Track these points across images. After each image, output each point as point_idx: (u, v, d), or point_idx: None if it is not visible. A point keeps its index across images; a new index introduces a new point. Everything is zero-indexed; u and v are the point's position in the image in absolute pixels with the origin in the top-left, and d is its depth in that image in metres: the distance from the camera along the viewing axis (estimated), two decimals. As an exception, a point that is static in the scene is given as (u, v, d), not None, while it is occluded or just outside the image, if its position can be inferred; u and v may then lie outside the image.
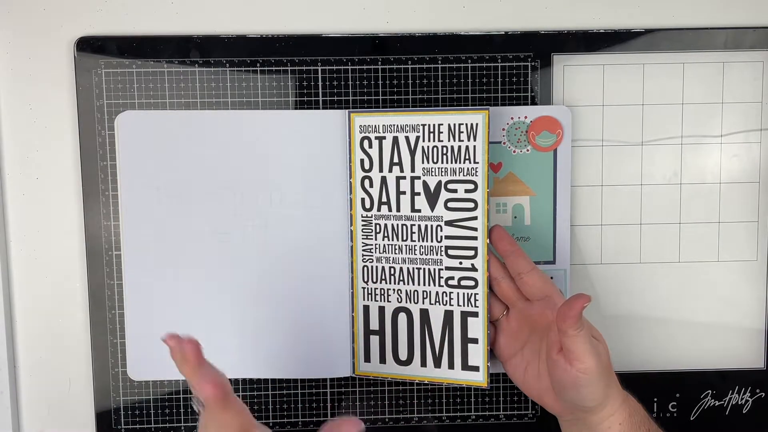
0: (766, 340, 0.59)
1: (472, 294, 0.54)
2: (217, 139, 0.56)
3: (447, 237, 0.54)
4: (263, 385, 0.58)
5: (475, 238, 0.53)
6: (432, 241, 0.54)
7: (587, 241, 0.58)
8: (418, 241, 0.54)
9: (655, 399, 0.59)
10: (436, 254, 0.54)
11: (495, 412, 0.59)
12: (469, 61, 0.56)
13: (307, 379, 0.58)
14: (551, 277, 0.57)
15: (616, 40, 0.56)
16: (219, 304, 0.57)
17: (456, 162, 0.53)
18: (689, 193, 0.58)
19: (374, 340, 0.56)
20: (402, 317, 0.55)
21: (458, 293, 0.54)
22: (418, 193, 0.54)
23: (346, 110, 0.55)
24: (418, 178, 0.54)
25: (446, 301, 0.54)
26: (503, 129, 0.56)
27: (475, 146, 0.52)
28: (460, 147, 0.53)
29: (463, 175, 0.53)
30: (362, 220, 0.55)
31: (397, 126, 0.54)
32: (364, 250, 0.55)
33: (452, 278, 0.54)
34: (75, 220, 0.57)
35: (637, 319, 0.59)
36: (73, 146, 0.57)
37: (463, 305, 0.54)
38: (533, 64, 0.56)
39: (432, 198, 0.54)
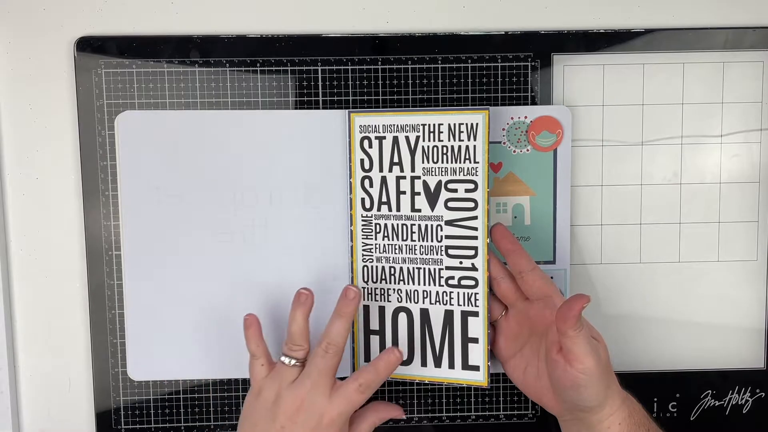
0: (766, 340, 0.59)
1: (472, 294, 0.54)
2: (217, 139, 0.56)
3: (447, 237, 0.54)
4: (263, 385, 0.58)
5: (475, 238, 0.53)
6: (432, 240, 0.54)
7: (587, 241, 0.58)
8: (419, 240, 0.54)
9: (655, 399, 0.59)
10: (437, 254, 0.54)
11: (495, 412, 0.59)
12: (469, 61, 0.56)
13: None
14: (551, 277, 0.57)
15: (616, 40, 0.56)
16: (219, 302, 0.57)
17: (456, 162, 0.53)
18: (689, 193, 0.58)
19: (374, 339, 0.56)
20: (402, 317, 0.55)
21: (458, 293, 0.54)
22: (418, 193, 0.54)
23: (346, 110, 0.55)
24: (418, 177, 0.54)
25: (446, 300, 0.54)
26: (503, 129, 0.56)
27: (475, 146, 0.52)
28: (460, 147, 0.53)
29: (464, 175, 0.53)
30: (362, 220, 0.55)
31: (397, 126, 0.54)
32: (364, 250, 0.55)
33: (452, 278, 0.54)
34: (75, 220, 0.57)
35: (637, 319, 0.59)
36: (73, 146, 0.57)
37: (464, 305, 0.54)
38: (533, 64, 0.56)
39: (432, 198, 0.54)
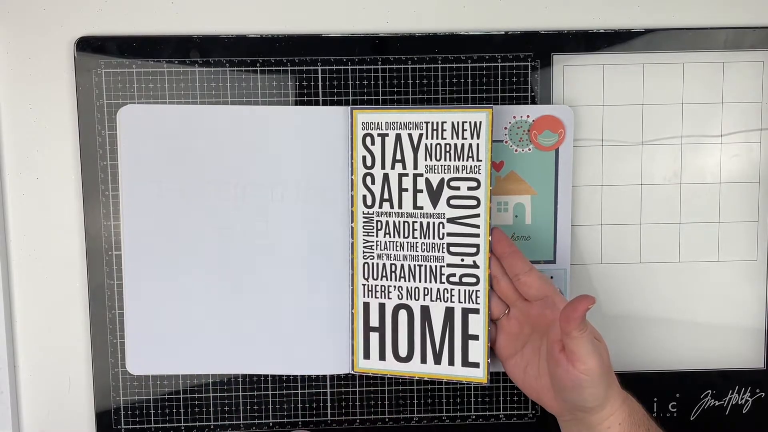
0: (766, 340, 0.59)
1: (473, 291, 0.54)
2: (219, 134, 0.56)
3: (449, 234, 0.54)
4: (263, 385, 0.58)
5: (477, 236, 0.53)
6: (434, 238, 0.54)
7: (587, 240, 0.58)
8: (420, 238, 0.54)
9: (655, 399, 0.59)
10: (438, 251, 0.54)
11: (495, 412, 0.59)
12: (470, 61, 0.56)
13: (306, 378, 0.58)
14: (551, 277, 0.57)
15: (616, 40, 0.56)
16: (219, 299, 0.57)
17: (459, 159, 0.53)
18: (689, 193, 0.58)
19: (374, 336, 0.56)
20: (402, 314, 0.55)
21: (459, 290, 0.54)
22: (421, 191, 0.54)
23: (349, 107, 0.55)
24: (421, 175, 0.54)
25: (447, 297, 0.54)
26: (505, 128, 0.56)
27: (478, 144, 0.53)
28: (463, 145, 0.53)
29: (466, 173, 0.53)
30: (363, 217, 0.55)
31: (400, 123, 0.54)
32: (365, 247, 0.55)
33: (453, 275, 0.54)
34: (75, 220, 0.57)
35: (637, 319, 0.59)
36: (73, 146, 0.57)
37: (465, 302, 0.54)
38: (533, 64, 0.56)
39: (434, 195, 0.54)
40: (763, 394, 0.59)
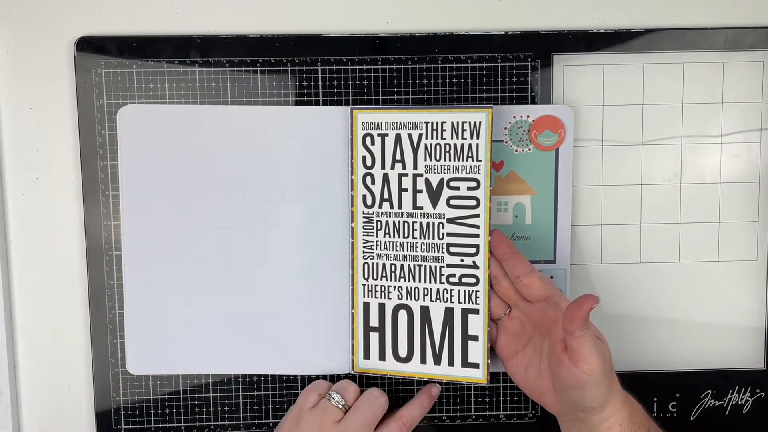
0: (766, 340, 0.59)
1: (473, 291, 0.54)
2: (218, 134, 0.56)
3: (449, 234, 0.54)
4: (263, 385, 0.58)
5: (477, 236, 0.53)
6: (433, 238, 0.54)
7: (587, 241, 0.58)
8: (420, 238, 0.54)
9: (655, 399, 0.59)
10: (438, 251, 0.54)
11: (495, 412, 0.59)
12: (469, 61, 0.56)
13: (307, 378, 0.58)
14: (551, 277, 0.57)
15: (616, 40, 0.56)
16: (219, 299, 0.57)
17: (459, 160, 0.53)
18: (689, 193, 0.58)
19: (374, 337, 0.56)
20: (402, 314, 0.55)
21: (459, 290, 0.54)
22: (420, 191, 0.54)
23: (349, 107, 0.55)
24: (421, 175, 0.54)
25: (447, 298, 0.54)
26: (505, 128, 0.56)
27: (478, 144, 0.53)
28: (462, 145, 0.53)
29: (466, 173, 0.53)
30: (363, 217, 0.55)
31: (400, 123, 0.54)
32: (365, 247, 0.55)
33: (453, 275, 0.54)
34: (75, 220, 0.57)
35: (637, 319, 0.59)
36: (73, 146, 0.57)
37: (464, 302, 0.54)
38: (533, 64, 0.56)
39: (434, 195, 0.54)
40: (763, 394, 0.59)
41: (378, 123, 0.54)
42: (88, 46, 0.56)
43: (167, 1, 0.56)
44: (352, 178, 0.55)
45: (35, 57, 0.56)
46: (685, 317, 0.59)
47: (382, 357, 0.56)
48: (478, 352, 0.54)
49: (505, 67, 0.56)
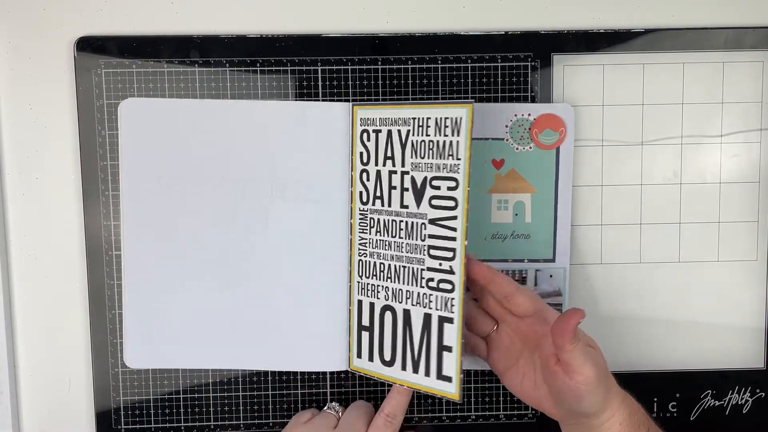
0: (766, 340, 0.59)
1: (448, 299, 0.51)
2: (219, 128, 0.55)
3: (430, 236, 0.51)
4: (263, 385, 0.58)
5: (453, 239, 0.50)
6: (417, 239, 0.52)
7: (587, 240, 0.58)
8: (405, 238, 0.52)
9: (655, 399, 0.59)
10: (420, 253, 0.52)
11: (495, 412, 0.59)
12: (469, 61, 0.56)
13: (307, 378, 0.58)
14: (550, 276, 0.57)
15: (616, 40, 0.56)
16: (218, 294, 0.57)
17: (441, 158, 0.50)
18: (689, 193, 0.58)
19: (365, 336, 0.55)
20: (388, 316, 0.54)
21: (437, 296, 0.51)
22: (407, 189, 0.52)
23: (350, 102, 0.55)
24: (407, 173, 0.52)
25: (426, 303, 0.52)
26: (506, 126, 0.56)
27: (458, 141, 0.50)
28: (444, 142, 0.50)
29: (446, 172, 0.50)
30: (359, 214, 0.55)
31: (392, 119, 0.52)
32: (360, 244, 0.55)
33: (432, 280, 0.51)
34: (75, 220, 0.57)
35: (637, 319, 0.59)
36: (73, 146, 0.57)
37: (441, 309, 0.51)
38: (533, 64, 0.56)
39: (418, 194, 0.52)
40: (763, 394, 0.59)
41: (373, 119, 0.53)
42: (88, 46, 0.56)
43: (167, 1, 0.56)
44: (352, 174, 0.55)
45: (35, 57, 0.56)
46: (685, 317, 0.59)
47: (371, 358, 0.55)
48: (451, 364, 0.51)
49: (505, 67, 0.56)
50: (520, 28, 0.56)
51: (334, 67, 0.56)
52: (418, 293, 0.52)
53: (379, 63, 0.56)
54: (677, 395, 0.59)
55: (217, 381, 0.58)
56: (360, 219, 0.55)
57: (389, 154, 0.53)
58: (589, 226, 0.58)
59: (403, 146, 0.52)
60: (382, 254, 0.54)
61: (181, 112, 0.56)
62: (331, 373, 0.58)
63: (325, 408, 0.56)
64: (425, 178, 0.51)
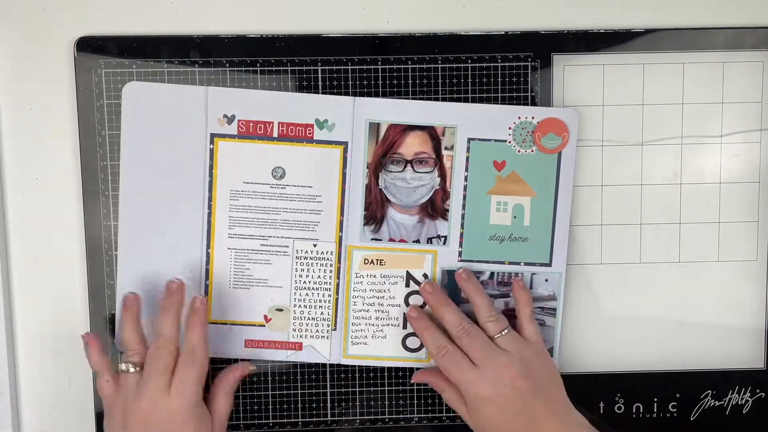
0: (766, 340, 0.59)
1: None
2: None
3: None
4: (263, 385, 0.58)
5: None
6: None
7: (587, 241, 0.58)
8: None
9: (655, 399, 0.59)
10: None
11: (495, 412, 0.59)
12: (469, 61, 0.56)
13: (307, 377, 0.58)
14: (546, 280, 0.57)
15: (616, 40, 0.56)
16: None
17: None
18: (689, 193, 0.58)
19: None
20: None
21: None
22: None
23: (353, 97, 0.55)
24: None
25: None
26: (510, 128, 0.56)
27: None
28: None
29: None
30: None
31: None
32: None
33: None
34: (75, 220, 0.57)
35: (637, 319, 0.59)
36: (73, 146, 0.57)
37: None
38: (533, 64, 0.56)
39: None
40: (763, 394, 0.59)
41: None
42: (88, 46, 0.56)
43: (167, 1, 0.56)
44: None
45: (35, 57, 0.56)
46: (685, 317, 0.59)
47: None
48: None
49: (505, 67, 0.56)
50: (520, 28, 0.56)
51: (334, 67, 0.56)
52: None
53: (379, 63, 0.56)
54: (677, 395, 0.59)
55: (217, 381, 0.58)
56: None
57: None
58: (589, 226, 0.58)
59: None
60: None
61: (184, 98, 0.55)
62: (330, 371, 0.58)
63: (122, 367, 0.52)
64: None
